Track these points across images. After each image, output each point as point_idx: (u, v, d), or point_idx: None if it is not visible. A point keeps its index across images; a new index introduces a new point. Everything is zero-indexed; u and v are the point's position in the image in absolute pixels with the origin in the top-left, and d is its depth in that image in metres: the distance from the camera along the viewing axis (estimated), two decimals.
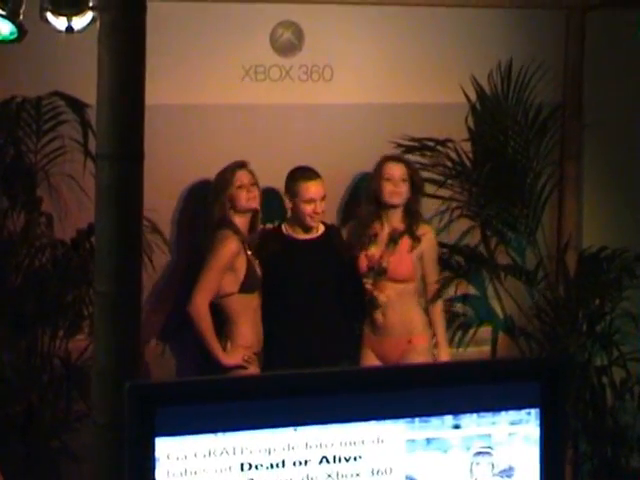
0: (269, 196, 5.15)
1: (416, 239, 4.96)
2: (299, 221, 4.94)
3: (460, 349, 5.31)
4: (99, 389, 3.12)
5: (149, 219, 4.45)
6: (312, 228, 4.96)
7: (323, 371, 2.39)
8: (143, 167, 3.09)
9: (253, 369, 4.79)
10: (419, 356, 4.92)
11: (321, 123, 5.41)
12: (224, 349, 4.78)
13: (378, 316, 4.97)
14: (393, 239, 4.97)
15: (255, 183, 4.88)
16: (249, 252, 4.87)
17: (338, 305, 5.04)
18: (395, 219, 5.00)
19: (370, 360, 5.01)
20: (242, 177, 4.83)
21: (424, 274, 5.05)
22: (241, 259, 4.79)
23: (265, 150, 5.19)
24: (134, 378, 2.95)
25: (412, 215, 5.00)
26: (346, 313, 5.07)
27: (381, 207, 5.00)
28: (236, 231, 4.78)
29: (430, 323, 5.05)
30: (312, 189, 4.85)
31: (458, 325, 5.42)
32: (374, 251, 4.96)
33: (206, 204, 4.90)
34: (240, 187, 4.82)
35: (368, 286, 4.94)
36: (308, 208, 4.87)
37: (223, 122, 5.24)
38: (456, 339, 5.38)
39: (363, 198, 5.09)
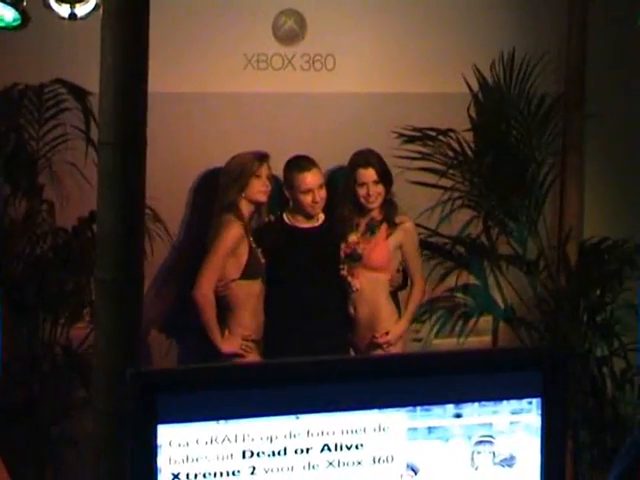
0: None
1: (393, 225, 5.03)
2: (300, 210, 4.94)
3: (461, 339, 5.30)
4: (100, 376, 3.13)
5: (151, 208, 4.45)
6: (314, 216, 4.97)
7: (325, 359, 2.39)
8: (146, 155, 3.09)
9: (252, 357, 4.81)
10: (388, 349, 4.98)
11: (323, 112, 5.40)
12: (222, 336, 4.80)
13: (349, 307, 5.03)
14: (370, 228, 5.04)
15: (270, 177, 4.90)
16: (251, 239, 4.90)
17: (337, 293, 5.06)
18: (374, 211, 5.06)
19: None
20: (264, 170, 4.87)
21: (406, 264, 5.10)
22: (243, 245, 4.82)
23: (266, 139, 5.18)
24: (136, 365, 2.97)
25: (390, 206, 5.06)
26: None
27: (359, 206, 5.05)
28: (240, 217, 4.81)
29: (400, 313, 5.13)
30: (308, 179, 4.86)
31: (459, 315, 5.42)
32: (353, 238, 5.02)
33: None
34: (258, 177, 4.85)
35: (343, 272, 4.99)
36: (307, 198, 4.88)
37: (225, 111, 5.24)
38: (457, 329, 5.39)
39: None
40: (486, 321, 5.55)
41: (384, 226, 5.04)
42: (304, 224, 4.99)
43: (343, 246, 5.02)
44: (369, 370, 2.33)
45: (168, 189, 5.03)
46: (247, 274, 4.83)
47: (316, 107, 5.40)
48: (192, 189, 5.22)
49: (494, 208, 5.40)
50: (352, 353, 5.05)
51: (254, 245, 4.88)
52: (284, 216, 5.02)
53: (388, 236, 5.04)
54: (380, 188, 5.00)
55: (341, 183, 5.13)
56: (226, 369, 2.47)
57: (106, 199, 3.11)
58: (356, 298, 5.02)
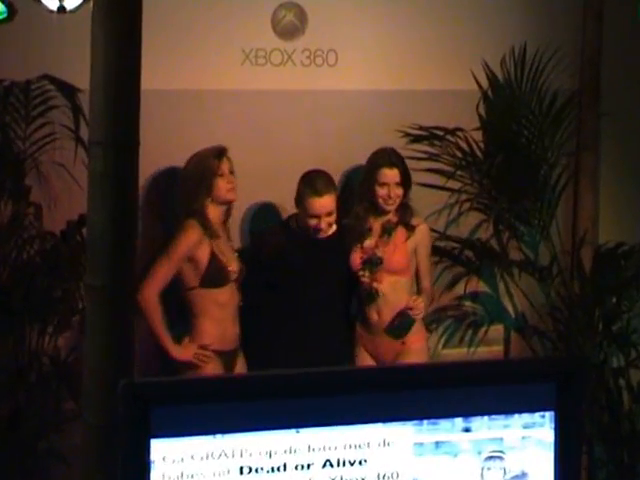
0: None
1: (411, 228, 5.05)
2: (302, 226, 4.92)
3: (470, 349, 5.30)
4: (91, 388, 3.13)
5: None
6: (316, 236, 4.93)
7: (327, 370, 2.39)
8: (139, 155, 3.09)
9: (211, 367, 4.75)
10: (414, 357, 5.00)
11: (325, 110, 5.40)
12: (181, 343, 4.77)
13: (372, 314, 5.02)
14: (387, 230, 5.05)
15: (233, 171, 4.85)
16: (235, 247, 4.90)
17: (342, 302, 5.08)
18: (390, 214, 5.07)
19: (364, 360, 5.08)
20: (225, 166, 4.80)
21: (417, 266, 5.12)
22: (203, 251, 4.72)
23: (266, 137, 5.19)
24: (128, 376, 2.96)
25: (405, 208, 5.07)
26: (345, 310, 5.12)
27: (376, 206, 5.05)
28: (202, 222, 4.72)
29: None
30: (317, 205, 4.83)
31: (468, 324, 5.41)
32: (369, 243, 5.02)
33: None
34: (222, 177, 4.79)
35: (365, 279, 4.99)
36: (311, 222, 4.86)
37: (222, 108, 5.24)
38: (466, 339, 5.38)
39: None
40: (497, 330, 5.55)
41: (400, 229, 5.05)
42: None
43: (359, 251, 5.01)
44: (373, 382, 2.34)
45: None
46: (208, 282, 4.75)
47: (317, 105, 5.40)
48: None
49: (504, 211, 5.40)
50: (371, 361, 5.05)
51: (221, 251, 4.77)
52: (289, 221, 5.01)
53: (407, 238, 5.05)
54: (400, 191, 5.00)
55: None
56: (223, 381, 2.47)
57: (96, 201, 3.10)
58: (380, 303, 5.02)
